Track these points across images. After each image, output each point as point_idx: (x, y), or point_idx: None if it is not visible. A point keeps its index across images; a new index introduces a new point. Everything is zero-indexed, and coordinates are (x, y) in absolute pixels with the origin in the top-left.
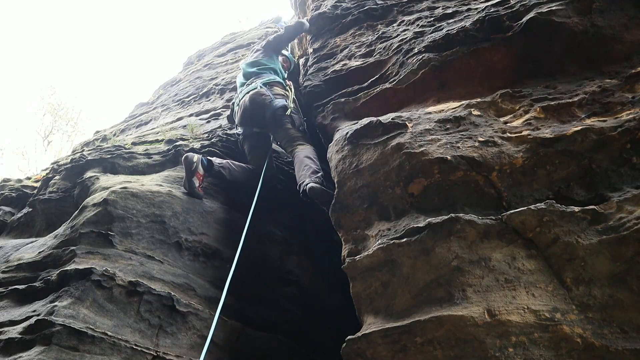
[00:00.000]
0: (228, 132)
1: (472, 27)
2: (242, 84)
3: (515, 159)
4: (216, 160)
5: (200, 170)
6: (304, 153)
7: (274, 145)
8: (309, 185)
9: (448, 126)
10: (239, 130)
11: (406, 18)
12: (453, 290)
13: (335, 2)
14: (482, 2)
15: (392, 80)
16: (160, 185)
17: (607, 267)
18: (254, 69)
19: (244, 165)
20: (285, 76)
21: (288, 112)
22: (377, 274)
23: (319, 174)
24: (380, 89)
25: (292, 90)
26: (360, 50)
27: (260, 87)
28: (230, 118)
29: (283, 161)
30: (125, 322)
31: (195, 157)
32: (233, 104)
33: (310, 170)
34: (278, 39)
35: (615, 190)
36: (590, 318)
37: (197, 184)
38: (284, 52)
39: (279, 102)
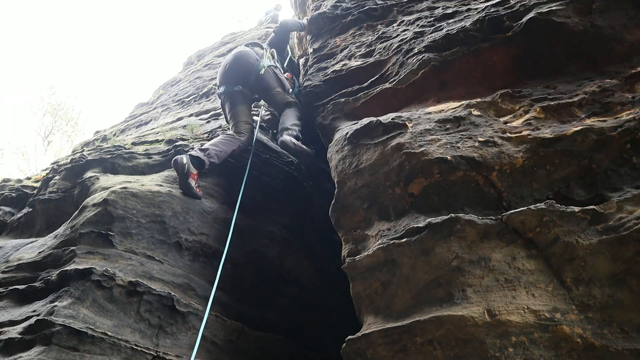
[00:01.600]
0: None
1: (472, 27)
2: None
3: (515, 159)
4: (200, 153)
5: (193, 170)
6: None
7: (272, 145)
8: (279, 139)
9: (448, 126)
10: (220, 89)
11: (406, 18)
12: (453, 290)
13: (335, 2)
14: (482, 2)
15: (392, 80)
16: (160, 185)
17: (607, 267)
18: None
19: (222, 139)
20: (281, 65)
21: (262, 72)
22: (377, 274)
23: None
24: (380, 89)
25: (274, 55)
26: (360, 50)
27: (244, 47)
28: None
29: (283, 161)
30: (125, 322)
31: (185, 158)
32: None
33: (284, 126)
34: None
35: (615, 190)
36: (590, 318)
37: (194, 185)
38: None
39: (266, 61)
